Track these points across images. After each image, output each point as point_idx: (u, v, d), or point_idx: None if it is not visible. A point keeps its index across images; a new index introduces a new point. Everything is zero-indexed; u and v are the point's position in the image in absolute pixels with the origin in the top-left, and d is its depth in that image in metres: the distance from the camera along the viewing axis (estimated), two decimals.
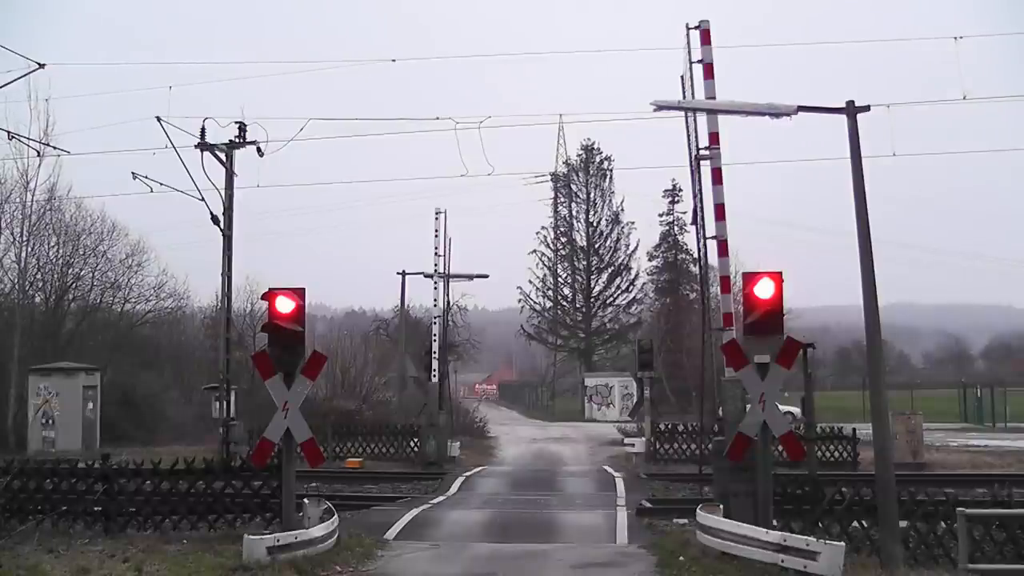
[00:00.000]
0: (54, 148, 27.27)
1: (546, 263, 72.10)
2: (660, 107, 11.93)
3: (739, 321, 13.90)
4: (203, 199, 22.38)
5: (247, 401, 28.42)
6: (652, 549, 13.12)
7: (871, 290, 11.35)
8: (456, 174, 31.78)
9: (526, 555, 13.19)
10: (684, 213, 57.09)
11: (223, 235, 23.13)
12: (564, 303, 72.42)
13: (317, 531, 12.33)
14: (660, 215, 62.94)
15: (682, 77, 15.50)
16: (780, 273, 12.04)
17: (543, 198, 71.50)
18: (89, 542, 12.77)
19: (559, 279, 72.49)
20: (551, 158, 76.11)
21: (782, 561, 10.78)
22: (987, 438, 35.34)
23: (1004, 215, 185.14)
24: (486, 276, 34.32)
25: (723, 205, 13.55)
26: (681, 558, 12.07)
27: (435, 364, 28.99)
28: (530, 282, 71.31)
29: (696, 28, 14.15)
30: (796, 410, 23.28)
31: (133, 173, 22.05)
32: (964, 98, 19.23)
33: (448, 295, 32.48)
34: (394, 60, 43.34)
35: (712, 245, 14.04)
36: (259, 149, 22.90)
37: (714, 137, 13.75)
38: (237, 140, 22.96)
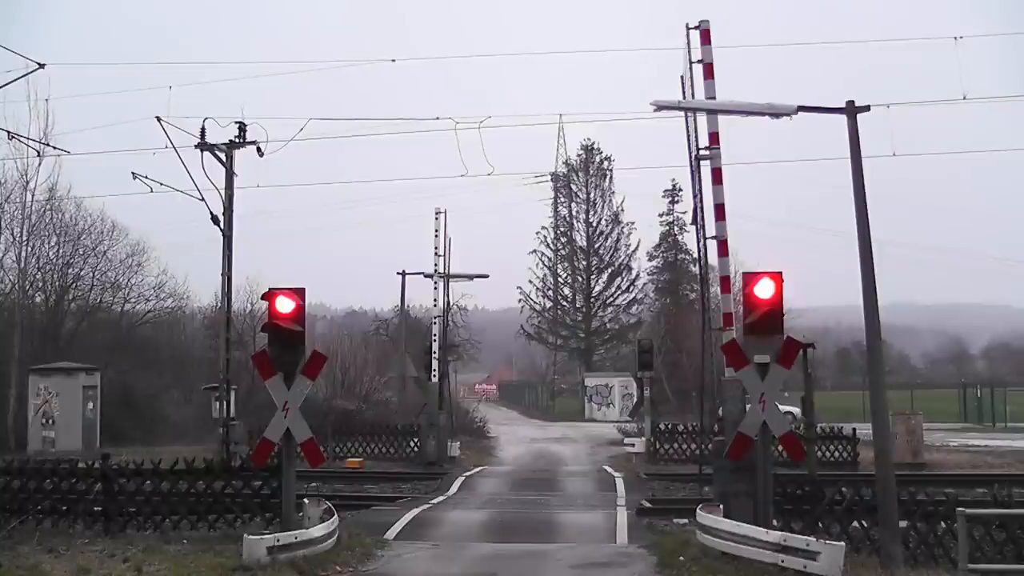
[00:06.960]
0: (54, 148, 27.28)
1: (546, 263, 72.23)
2: (660, 107, 11.95)
3: (739, 321, 13.90)
4: (203, 199, 22.38)
5: (247, 401, 28.48)
6: (652, 549, 13.13)
7: (871, 290, 11.35)
8: (456, 174, 31.72)
9: (526, 555, 13.19)
10: (684, 213, 57.18)
11: (223, 235, 23.13)
12: (564, 303, 72.46)
13: (317, 531, 12.33)
14: (660, 215, 63.26)
15: (682, 77, 15.47)
16: (780, 273, 12.05)
17: (543, 198, 71.61)
18: (89, 542, 12.76)
19: (559, 279, 72.57)
20: (551, 158, 76.14)
21: (782, 561, 10.78)
22: (987, 438, 35.34)
23: (1003, 215, 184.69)
24: (486, 276, 34.31)
25: (723, 205, 13.55)
26: (681, 558, 12.07)
27: (435, 364, 28.98)
28: (530, 282, 71.49)
29: (696, 28, 14.15)
30: (796, 410, 23.21)
31: (133, 173, 22.06)
32: (964, 98, 19.27)
33: (448, 295, 32.46)
34: (394, 60, 43.20)
35: (712, 245, 14.03)
36: (259, 149, 22.89)
37: (714, 137, 13.74)
38: (237, 140, 22.95)
